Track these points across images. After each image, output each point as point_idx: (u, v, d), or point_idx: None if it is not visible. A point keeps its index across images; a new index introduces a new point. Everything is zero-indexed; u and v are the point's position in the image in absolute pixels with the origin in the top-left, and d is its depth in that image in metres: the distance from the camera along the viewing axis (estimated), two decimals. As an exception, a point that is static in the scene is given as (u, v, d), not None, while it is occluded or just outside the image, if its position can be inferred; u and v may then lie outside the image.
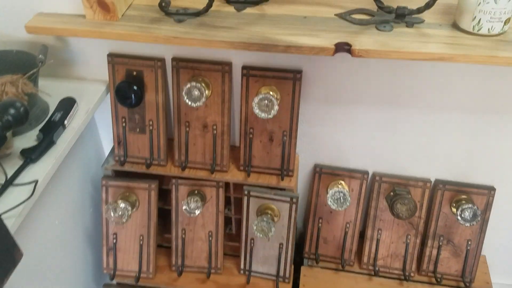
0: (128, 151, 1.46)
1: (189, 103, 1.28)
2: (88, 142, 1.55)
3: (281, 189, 1.41)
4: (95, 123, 1.60)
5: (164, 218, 1.56)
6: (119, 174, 1.51)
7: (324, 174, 1.48)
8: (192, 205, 1.43)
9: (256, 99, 1.23)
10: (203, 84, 1.31)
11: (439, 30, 1.11)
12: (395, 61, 1.23)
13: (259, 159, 1.41)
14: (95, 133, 1.61)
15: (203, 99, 1.27)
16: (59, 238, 1.41)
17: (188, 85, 1.26)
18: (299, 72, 1.28)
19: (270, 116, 1.25)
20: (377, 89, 1.30)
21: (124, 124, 1.43)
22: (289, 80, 1.29)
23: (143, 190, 1.48)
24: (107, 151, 1.63)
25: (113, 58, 1.36)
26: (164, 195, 1.55)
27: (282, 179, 1.38)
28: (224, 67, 1.31)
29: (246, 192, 1.43)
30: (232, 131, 1.47)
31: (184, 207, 1.42)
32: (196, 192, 1.48)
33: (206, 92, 1.33)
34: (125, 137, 1.44)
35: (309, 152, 1.48)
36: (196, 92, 1.27)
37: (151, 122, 1.41)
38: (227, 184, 1.47)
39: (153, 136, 1.42)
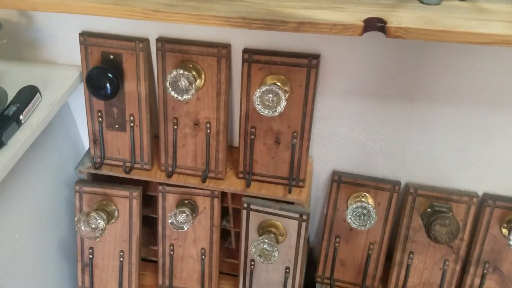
0: (105, 151, 1.24)
1: (175, 95, 1.05)
2: (62, 139, 1.34)
3: (288, 203, 1.18)
4: (72, 116, 1.38)
5: (151, 226, 1.34)
6: (97, 178, 1.30)
7: (344, 184, 1.24)
8: (180, 218, 1.21)
9: (258, 92, 1.00)
10: (193, 72, 1.08)
11: (501, 4, 0.85)
12: (440, 44, 0.98)
13: (263, 165, 1.17)
14: (72, 128, 1.39)
15: (193, 91, 1.04)
16: (23, 253, 1.21)
17: (174, 73, 1.02)
18: (316, 57, 1.03)
19: (276, 113, 1.01)
20: (415, 80, 1.05)
21: (100, 119, 1.21)
22: (302, 67, 1.04)
23: (123, 199, 1.27)
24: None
25: (86, 38, 1.14)
26: (149, 201, 1.33)
27: (290, 191, 1.15)
28: (221, 50, 1.07)
29: (245, 205, 1.20)
30: (230, 130, 1.24)
31: (170, 221, 1.20)
32: (186, 202, 1.26)
33: (197, 81, 1.09)
34: (102, 135, 1.22)
35: (325, 156, 1.25)
36: (183, 82, 1.04)
37: (132, 118, 1.19)
38: (224, 193, 1.24)
39: (134, 134, 1.20)
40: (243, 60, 1.08)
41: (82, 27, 1.16)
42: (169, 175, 1.19)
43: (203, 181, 1.18)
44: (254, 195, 1.19)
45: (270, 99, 1.01)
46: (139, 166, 1.24)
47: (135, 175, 1.24)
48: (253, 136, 1.15)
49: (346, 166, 1.26)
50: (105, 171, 1.26)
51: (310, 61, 1.04)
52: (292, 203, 1.19)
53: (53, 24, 1.19)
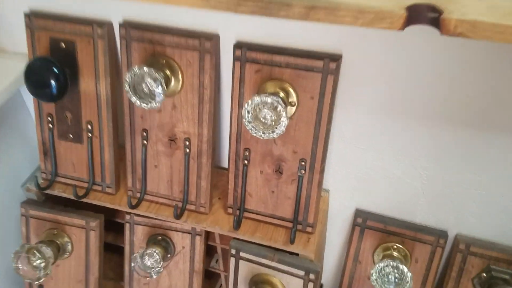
0: (58, 167, 1.02)
1: (137, 102, 0.80)
2: (15, 144, 1.12)
3: (291, 253, 0.92)
4: (30, 116, 1.16)
5: (120, 253, 1.11)
6: (52, 200, 1.08)
7: (370, 230, 0.98)
8: (149, 262, 0.97)
9: (248, 105, 0.74)
10: (166, 71, 0.84)
11: None
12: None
13: (259, 200, 0.92)
14: (29, 130, 1.17)
15: (161, 97, 0.79)
16: None
17: (135, 71, 0.78)
18: (336, 58, 0.77)
19: (273, 136, 0.75)
20: (481, 98, 0.77)
21: (50, 126, 0.98)
22: (316, 72, 0.78)
23: (78, 229, 1.04)
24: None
25: (33, 20, 0.91)
26: (116, 227, 1.10)
27: (293, 240, 0.89)
28: (204, 43, 0.82)
29: (233, 251, 0.95)
30: (218, 150, 0.99)
31: (133, 264, 0.96)
32: (159, 238, 1.02)
33: (172, 83, 0.85)
34: (53, 146, 1.00)
35: (346, 189, 0.99)
36: (149, 85, 0.79)
37: (89, 126, 0.95)
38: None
39: (93, 147, 0.97)
40: (235, 58, 0.83)
41: (30, 6, 0.93)
42: (132, 206, 0.95)
43: (177, 216, 0.93)
44: (246, 239, 0.94)
45: (266, 115, 0.75)
46: (99, 188, 1.01)
47: (93, 200, 1.01)
48: (246, 161, 0.90)
49: (374, 206, 0.99)
50: (57, 191, 1.03)
51: (327, 64, 0.78)
52: (296, 254, 0.93)
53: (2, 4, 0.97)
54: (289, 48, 0.81)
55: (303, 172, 0.87)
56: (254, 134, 0.77)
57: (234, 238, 0.98)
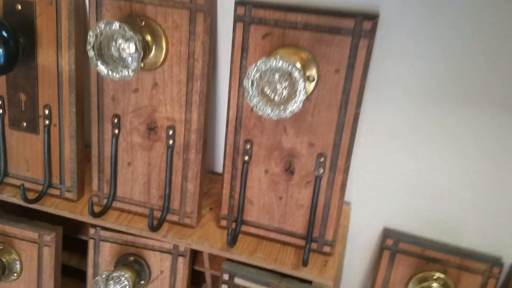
0: (8, 164, 0.82)
1: (103, 70, 0.61)
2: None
3: (303, 281, 0.72)
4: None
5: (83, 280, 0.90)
6: (2, 207, 0.88)
7: (402, 254, 0.78)
8: (117, 289, 0.77)
9: (253, 70, 0.56)
10: (146, 37, 0.66)
11: None
12: None
13: (262, 209, 0.73)
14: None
15: (135, 64, 0.61)
16: None
17: (101, 28, 0.60)
18: (372, 17, 0.59)
19: (286, 114, 0.57)
20: None
21: (0, 111, 0.79)
22: (343, 36, 0.60)
23: (29, 244, 0.84)
24: None
25: (-19, -29, 0.73)
26: (79, 247, 0.90)
27: (306, 262, 0.69)
28: (197, -3, 0.64)
29: (226, 277, 0.75)
30: (212, 144, 0.80)
31: (97, 292, 0.76)
32: (131, 259, 0.82)
33: (153, 53, 0.67)
34: (3, 137, 0.80)
35: (373, 203, 0.80)
36: (121, 45, 0.61)
37: (47, 111, 0.76)
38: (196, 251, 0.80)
39: (51, 139, 0.78)
40: (236, 18, 0.65)
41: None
42: (95, 214, 0.75)
43: (153, 228, 0.73)
44: (243, 261, 0.74)
45: (277, 86, 0.57)
46: (56, 192, 0.81)
47: (49, 207, 0.81)
48: (247, 157, 0.70)
49: (408, 224, 0.80)
50: (6, 195, 0.83)
51: (359, 24, 0.60)
52: (309, 282, 0.73)
53: None
54: (307, 6, 0.63)
55: (321, 171, 0.68)
56: (261, 113, 0.58)
57: (228, 260, 0.77)
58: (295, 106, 0.57)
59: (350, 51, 0.62)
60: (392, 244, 0.79)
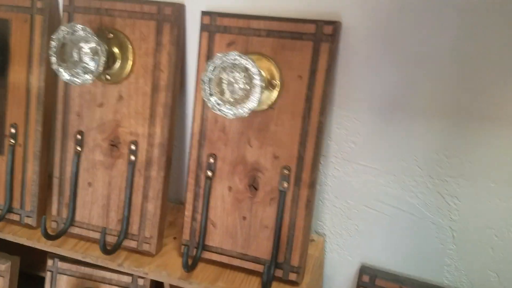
0: (-30, 188, 0.79)
1: (64, 75, 0.61)
2: None
3: (266, 313, 0.65)
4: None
5: None
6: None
7: (379, 292, 0.71)
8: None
9: (210, 66, 0.55)
10: (113, 49, 0.66)
11: None
12: None
13: (225, 232, 0.68)
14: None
15: (97, 66, 0.60)
16: None
17: (63, 31, 0.60)
18: (330, 23, 0.59)
19: (243, 112, 0.55)
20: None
21: (-33, 130, 0.78)
22: (305, 40, 0.60)
23: (-20, 275, 0.78)
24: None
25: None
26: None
27: None
28: (164, 8, 0.65)
29: (185, 310, 0.67)
30: (178, 159, 0.77)
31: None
32: (87, 294, 0.75)
33: (119, 64, 0.67)
34: (-34, 158, 0.78)
35: (347, 233, 0.74)
36: (85, 49, 0.61)
37: (13, 130, 0.75)
38: (157, 283, 0.74)
39: (15, 159, 0.75)
40: (202, 28, 0.65)
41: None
42: (48, 236, 0.70)
43: (105, 250, 0.68)
44: (202, 291, 0.68)
45: (235, 84, 0.56)
46: (17, 218, 0.77)
47: (7, 234, 0.77)
48: (210, 173, 0.67)
49: (385, 259, 0.73)
50: (-37, 222, 0.79)
51: (320, 28, 0.60)
52: (273, 314, 0.66)
53: None
54: (268, 15, 0.64)
55: (285, 185, 0.64)
56: (218, 112, 0.56)
57: (187, 291, 0.71)
58: (251, 104, 0.55)
59: (312, 56, 0.61)
60: (368, 281, 0.73)
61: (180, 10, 0.67)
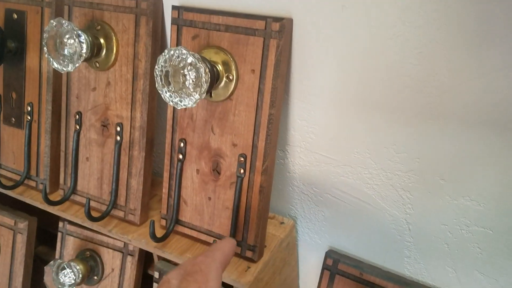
0: (1, 156, 0.92)
1: (53, 63, 0.70)
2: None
3: (226, 286, 0.71)
4: None
5: None
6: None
7: (341, 276, 0.74)
8: (65, 279, 0.81)
9: (161, 59, 0.60)
10: (100, 39, 0.73)
11: None
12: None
13: (194, 209, 0.75)
14: None
15: (79, 57, 0.68)
16: None
17: (53, 26, 0.68)
18: (278, 19, 0.62)
19: (190, 102, 0.60)
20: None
21: (-3, 106, 0.90)
22: (257, 37, 0.63)
23: (6, 230, 0.92)
24: None
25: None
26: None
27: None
28: (141, 3, 0.71)
29: (156, 275, 0.76)
30: (160, 140, 0.84)
31: (46, 277, 0.81)
32: (88, 255, 0.86)
33: (105, 52, 0.74)
34: (-3, 130, 0.91)
35: (315, 218, 0.77)
36: (69, 43, 0.69)
37: (29, 108, 0.86)
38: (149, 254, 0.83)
39: (31, 134, 0.87)
40: (172, 21, 0.70)
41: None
42: (49, 201, 0.81)
43: (90, 217, 0.77)
44: (172, 259, 0.75)
45: (181, 71, 0.60)
46: (33, 183, 0.89)
47: (26, 197, 0.89)
48: (181, 156, 0.73)
49: (350, 245, 0.76)
50: (-5, 184, 0.92)
51: (269, 25, 0.62)
52: (231, 287, 0.72)
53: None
54: (230, 10, 0.67)
55: (242, 171, 0.69)
56: (171, 103, 0.62)
57: (163, 259, 0.79)
58: (197, 94, 0.60)
59: (263, 51, 0.64)
60: (331, 264, 0.76)
61: (156, 4, 0.72)
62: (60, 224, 0.90)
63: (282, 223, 0.79)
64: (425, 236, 0.68)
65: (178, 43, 0.70)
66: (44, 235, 1.02)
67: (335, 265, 0.76)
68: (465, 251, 0.66)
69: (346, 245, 0.76)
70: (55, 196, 0.88)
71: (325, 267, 0.77)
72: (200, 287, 0.46)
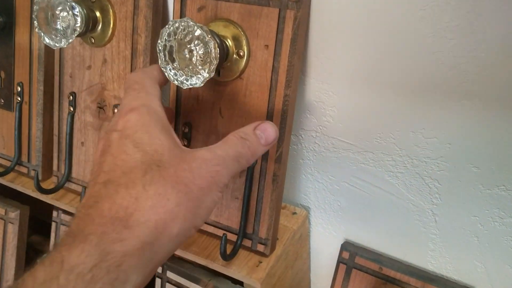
0: (-11, 140, 0.85)
1: (45, 38, 0.63)
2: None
3: (235, 282, 0.66)
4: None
5: None
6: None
7: (359, 271, 0.69)
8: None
9: (164, 32, 0.54)
10: (96, 13, 0.67)
11: None
12: None
13: (196, 198, 0.67)
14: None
15: (73, 32, 0.61)
16: None
17: (42, -5, 0.61)
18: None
19: (198, 81, 0.54)
20: None
21: (-16, 87, 0.84)
22: (272, 7, 0.56)
23: (-4, 220, 0.85)
24: None
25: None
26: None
27: (226, 257, 0.63)
28: (142, -28, 0.64)
29: (159, 271, 0.70)
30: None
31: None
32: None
33: (101, 27, 0.68)
34: (-16, 112, 0.84)
35: (331, 208, 0.72)
36: (61, 15, 0.62)
37: (19, 88, 0.79)
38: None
39: (22, 116, 0.80)
40: (175, -8, 0.63)
41: None
42: (41, 189, 0.74)
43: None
44: (178, 254, 0.69)
45: (190, 48, 0.54)
46: (24, 170, 0.83)
47: (17, 185, 0.82)
48: (186, 141, 0.67)
49: (368, 237, 0.70)
50: (-17, 171, 0.86)
51: (286, -5, 0.56)
52: (241, 283, 0.67)
53: None
54: (242, -23, 0.60)
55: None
56: (172, 79, 0.55)
57: (166, 252, 0.73)
58: (205, 73, 0.54)
59: (278, 24, 0.57)
60: (348, 258, 0.71)
61: (158, -27, 0.65)
62: (54, 214, 0.84)
63: (294, 213, 0.73)
64: (453, 228, 0.62)
65: (182, 16, 0.64)
66: (38, 224, 0.96)
67: (352, 258, 0.70)
68: (497, 245, 0.60)
69: (364, 237, 0.71)
70: (49, 184, 0.82)
71: (340, 261, 0.71)
72: (138, 92, 0.47)
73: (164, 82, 0.54)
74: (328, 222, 0.73)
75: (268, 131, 0.49)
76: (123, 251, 0.35)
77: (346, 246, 0.71)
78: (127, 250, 0.35)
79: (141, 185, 0.38)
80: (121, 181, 0.38)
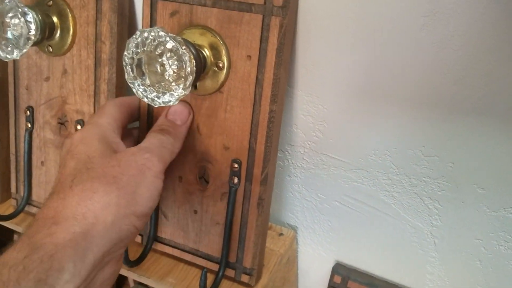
0: None
1: (-9, 47, 0.55)
2: None
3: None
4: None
5: None
6: None
7: (351, 295, 0.64)
8: None
9: (131, 43, 0.47)
10: (53, 18, 0.59)
11: None
12: None
13: (176, 224, 0.63)
14: None
15: (27, 41, 0.54)
16: None
17: (-11, -1, 0.53)
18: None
19: (171, 98, 0.47)
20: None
21: None
22: (254, 13, 0.50)
23: None
24: None
25: None
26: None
27: (212, 292, 0.57)
28: (104, -28, 0.57)
29: (133, 303, 0.63)
30: None
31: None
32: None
33: (60, 33, 0.60)
34: None
35: (320, 228, 0.66)
36: (14, 22, 0.55)
37: (-31, 100, 0.71)
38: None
39: (-27, 131, 0.72)
40: (144, -5, 0.56)
41: None
42: (1, 217, 0.67)
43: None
44: (151, 285, 0.63)
45: (164, 64, 0.47)
46: (-22, 192, 0.75)
47: (-30, 209, 0.74)
48: (159, 161, 0.60)
49: (361, 260, 0.65)
50: None
51: (269, 1, 0.49)
52: (223, 318, 0.61)
53: None
54: (219, -22, 0.54)
55: (236, 181, 0.56)
56: (141, 96, 0.49)
57: (139, 284, 0.67)
58: (180, 90, 0.47)
59: (262, 32, 0.51)
60: (340, 282, 0.65)
61: (123, -27, 0.58)
62: (15, 237, 0.76)
63: (281, 234, 0.68)
64: (454, 251, 0.58)
65: (152, 22, 0.57)
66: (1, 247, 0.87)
67: (344, 282, 0.65)
68: (501, 269, 0.56)
69: (356, 259, 0.66)
70: (7, 207, 0.75)
71: (332, 285, 0.66)
72: (96, 113, 0.52)
73: (136, 108, 0.57)
74: (318, 242, 0.67)
75: (179, 111, 0.53)
76: (54, 243, 0.38)
77: (338, 268, 0.66)
78: (58, 242, 0.38)
79: (68, 186, 0.42)
80: (55, 189, 0.44)
